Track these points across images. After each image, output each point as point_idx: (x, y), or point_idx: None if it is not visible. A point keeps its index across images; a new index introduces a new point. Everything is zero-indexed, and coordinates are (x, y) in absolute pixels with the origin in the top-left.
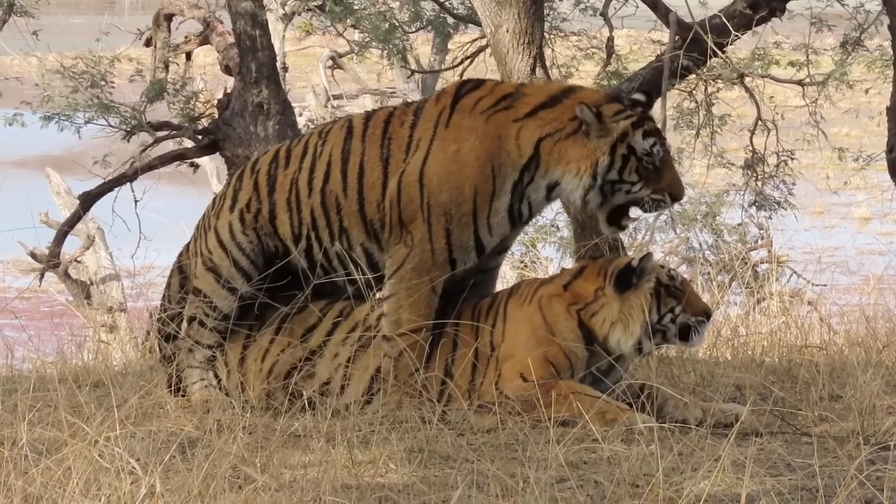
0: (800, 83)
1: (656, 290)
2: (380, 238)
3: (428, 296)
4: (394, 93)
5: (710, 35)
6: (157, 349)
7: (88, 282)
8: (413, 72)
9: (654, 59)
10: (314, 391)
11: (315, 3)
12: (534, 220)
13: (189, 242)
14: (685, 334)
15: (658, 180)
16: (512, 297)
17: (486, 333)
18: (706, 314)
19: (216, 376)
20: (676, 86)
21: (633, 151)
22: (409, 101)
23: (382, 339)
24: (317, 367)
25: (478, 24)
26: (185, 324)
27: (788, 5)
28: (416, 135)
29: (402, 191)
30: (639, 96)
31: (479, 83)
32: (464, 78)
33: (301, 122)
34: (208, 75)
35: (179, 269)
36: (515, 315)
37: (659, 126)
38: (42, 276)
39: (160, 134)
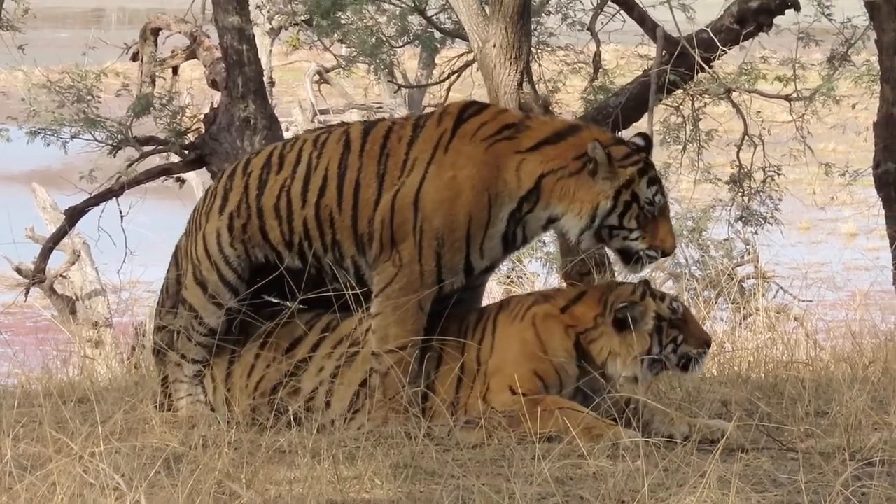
0: (787, 98)
1: (657, 326)
2: (367, 253)
3: (415, 313)
4: (381, 107)
5: (697, 50)
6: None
7: (74, 297)
8: (400, 86)
9: (641, 73)
10: (300, 406)
11: (302, 18)
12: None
13: (182, 237)
14: (685, 365)
15: (655, 231)
16: (501, 312)
17: (473, 348)
18: (707, 344)
19: (204, 391)
20: (663, 100)
21: (637, 199)
22: (409, 114)
23: (371, 354)
24: (302, 382)
25: (465, 38)
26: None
27: (776, 20)
28: (414, 154)
29: (395, 211)
30: (639, 140)
31: (482, 108)
32: (467, 100)
33: (288, 136)
34: (195, 90)
35: (176, 261)
36: (506, 330)
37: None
38: (27, 291)
39: (146, 149)
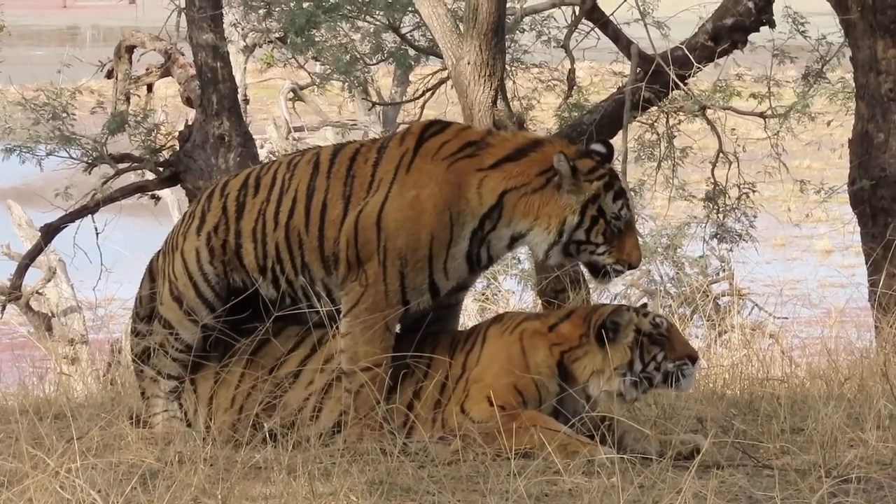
0: (761, 115)
1: (637, 340)
2: (335, 274)
3: (383, 331)
4: (355, 125)
5: (671, 67)
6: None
7: (50, 314)
8: (374, 104)
9: (615, 90)
10: (287, 421)
11: (276, 36)
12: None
13: (160, 252)
14: (668, 380)
15: (621, 246)
16: (494, 325)
17: (461, 355)
18: (691, 358)
19: (181, 406)
20: (638, 118)
21: (603, 214)
22: (377, 136)
23: (342, 373)
24: (289, 397)
25: (439, 56)
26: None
27: (750, 37)
28: (378, 174)
29: (358, 230)
30: (599, 147)
31: (444, 126)
32: (429, 119)
33: (262, 153)
34: (169, 107)
35: (150, 274)
36: (494, 342)
37: (620, 159)
38: (3, 308)
39: (121, 166)
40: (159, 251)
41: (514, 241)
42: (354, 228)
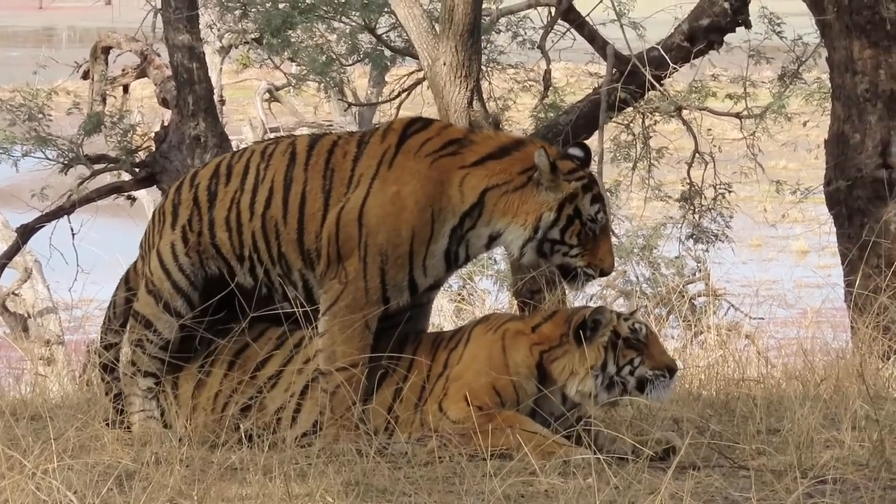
0: (737, 116)
1: (612, 342)
2: (315, 268)
3: (362, 330)
4: (331, 125)
5: (647, 68)
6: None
7: (26, 314)
8: (350, 104)
9: (591, 91)
10: (265, 422)
11: (252, 37)
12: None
13: (135, 261)
14: (642, 388)
15: (595, 250)
16: (480, 324)
17: (444, 353)
18: (669, 369)
19: (159, 406)
20: (614, 118)
21: (579, 214)
22: (353, 130)
23: (318, 373)
24: (270, 399)
25: (415, 57)
26: (125, 349)
27: (726, 38)
28: (359, 170)
29: (340, 227)
30: (577, 151)
31: (426, 124)
32: (412, 116)
33: None
34: (145, 108)
35: (126, 284)
36: (477, 341)
37: (596, 159)
38: None
39: (97, 167)
40: (134, 262)
41: (491, 241)
42: (336, 225)
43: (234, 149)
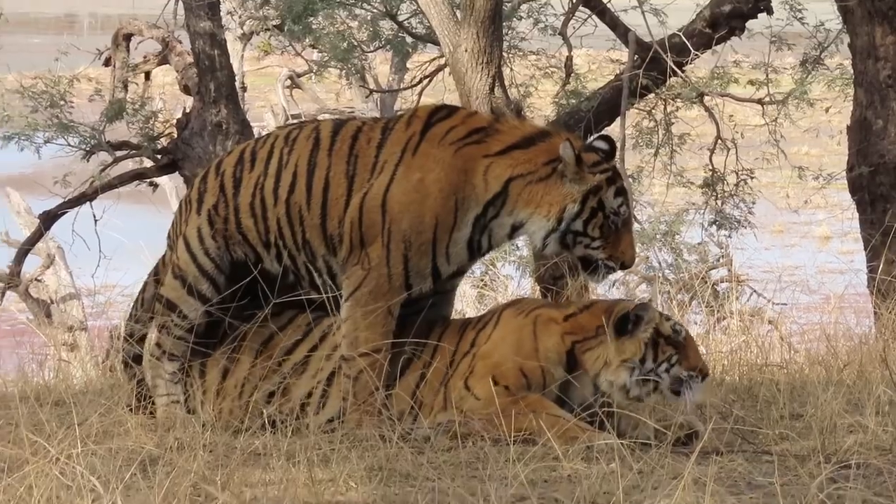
0: (759, 102)
1: (653, 339)
2: (337, 254)
3: (385, 316)
4: (352, 112)
5: (669, 54)
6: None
7: (49, 301)
8: (371, 91)
9: (613, 78)
10: (290, 410)
11: (273, 23)
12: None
13: (163, 254)
14: (677, 389)
15: (616, 243)
16: (510, 307)
17: (472, 333)
18: (702, 372)
19: (185, 391)
20: (635, 105)
21: (603, 207)
22: (378, 117)
23: (341, 359)
24: (298, 385)
25: (436, 43)
26: (152, 334)
27: (748, 24)
28: (383, 156)
29: (364, 213)
30: (601, 143)
31: (451, 111)
32: (436, 104)
33: None
34: (167, 95)
35: (155, 277)
36: (507, 323)
37: (618, 145)
38: (2, 295)
39: (119, 153)
40: (162, 255)
41: (514, 230)
42: (359, 211)
43: (256, 136)
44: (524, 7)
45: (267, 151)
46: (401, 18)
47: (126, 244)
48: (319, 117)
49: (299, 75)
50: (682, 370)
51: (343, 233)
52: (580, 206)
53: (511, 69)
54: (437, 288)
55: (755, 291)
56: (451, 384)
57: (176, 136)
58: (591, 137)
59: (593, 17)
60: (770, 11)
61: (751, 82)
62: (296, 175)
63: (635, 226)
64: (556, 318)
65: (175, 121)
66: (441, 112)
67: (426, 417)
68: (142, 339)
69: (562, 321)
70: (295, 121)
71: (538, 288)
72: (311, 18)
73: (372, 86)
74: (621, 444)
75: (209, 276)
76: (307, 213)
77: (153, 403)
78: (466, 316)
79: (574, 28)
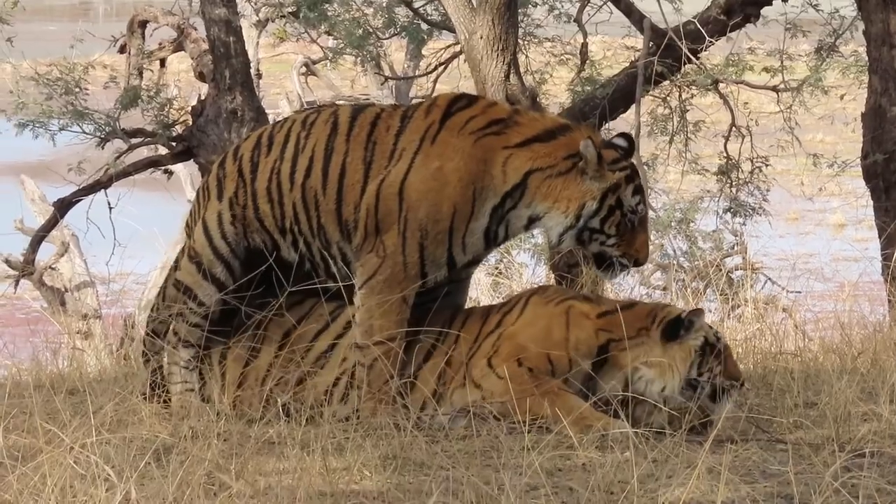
0: (774, 89)
1: (703, 348)
2: (352, 241)
3: (400, 304)
4: (368, 99)
5: (684, 41)
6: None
7: (63, 289)
8: (387, 78)
9: (628, 65)
10: (315, 400)
11: (289, 10)
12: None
13: (184, 246)
14: (715, 396)
15: (632, 241)
16: (536, 294)
17: (497, 315)
18: (741, 382)
19: (201, 379)
20: (650, 92)
21: (621, 205)
22: (398, 103)
23: (355, 347)
24: (322, 374)
25: (452, 30)
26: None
27: (763, 11)
28: (401, 144)
29: (380, 200)
30: (620, 141)
31: (471, 101)
32: (456, 93)
33: None
34: (182, 82)
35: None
36: (537, 308)
37: (633, 132)
38: (17, 282)
39: (134, 141)
40: (183, 246)
41: (531, 222)
42: (376, 197)
43: (271, 122)
44: None
45: (284, 135)
46: (416, 5)
47: (141, 232)
48: (334, 104)
49: (314, 62)
50: (724, 380)
51: (358, 219)
52: (599, 204)
53: (526, 56)
54: (452, 276)
55: (769, 279)
56: (473, 362)
57: (191, 123)
58: (606, 126)
59: (608, 3)
60: None
61: (765, 69)
62: (312, 160)
63: (650, 213)
64: (589, 314)
65: (190, 108)
66: (461, 101)
67: (446, 404)
68: (164, 334)
69: (595, 317)
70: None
71: (553, 276)
72: (327, 5)
73: (387, 73)
74: (636, 432)
75: (224, 259)
76: (322, 198)
77: (168, 392)
78: (481, 304)
79: (589, 15)
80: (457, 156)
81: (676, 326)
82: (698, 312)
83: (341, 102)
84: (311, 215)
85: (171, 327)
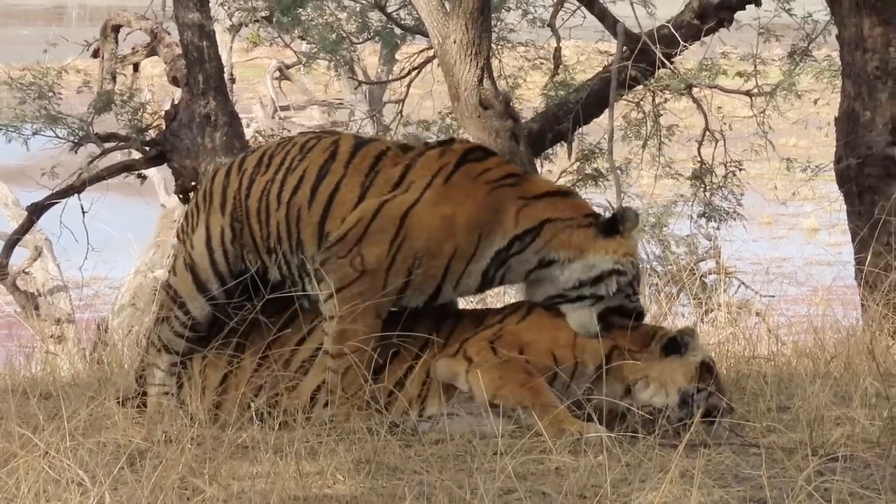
0: (748, 94)
1: (702, 364)
2: (322, 244)
3: (373, 310)
4: (341, 103)
5: (658, 46)
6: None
7: (36, 293)
8: (360, 83)
9: (601, 69)
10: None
11: (262, 15)
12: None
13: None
14: (708, 415)
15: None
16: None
17: (497, 316)
18: (731, 407)
19: (179, 383)
20: (624, 96)
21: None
22: (402, 141)
23: (325, 354)
24: (306, 380)
25: (425, 35)
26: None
27: (736, 15)
28: (410, 176)
29: (378, 216)
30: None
31: (487, 154)
32: (473, 143)
33: (248, 133)
34: (156, 86)
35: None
36: (542, 316)
37: (606, 138)
38: None
39: (108, 145)
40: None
41: (539, 267)
42: (375, 212)
43: (245, 126)
44: None
45: (281, 157)
46: (389, 10)
47: (114, 236)
48: (308, 109)
49: (288, 67)
50: (716, 402)
51: (343, 227)
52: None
53: (500, 61)
54: (427, 304)
55: (743, 283)
56: (471, 342)
57: (164, 127)
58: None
59: (582, 8)
60: (758, 3)
61: (739, 74)
62: (302, 179)
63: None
64: None
65: (163, 112)
66: (477, 153)
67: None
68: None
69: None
70: (283, 113)
71: None
72: (300, 10)
73: (361, 77)
74: (609, 436)
75: (221, 276)
76: (307, 212)
77: (144, 395)
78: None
79: (563, 19)
80: (469, 200)
81: (677, 343)
82: (690, 330)
83: (315, 107)
84: (293, 231)
85: (156, 331)
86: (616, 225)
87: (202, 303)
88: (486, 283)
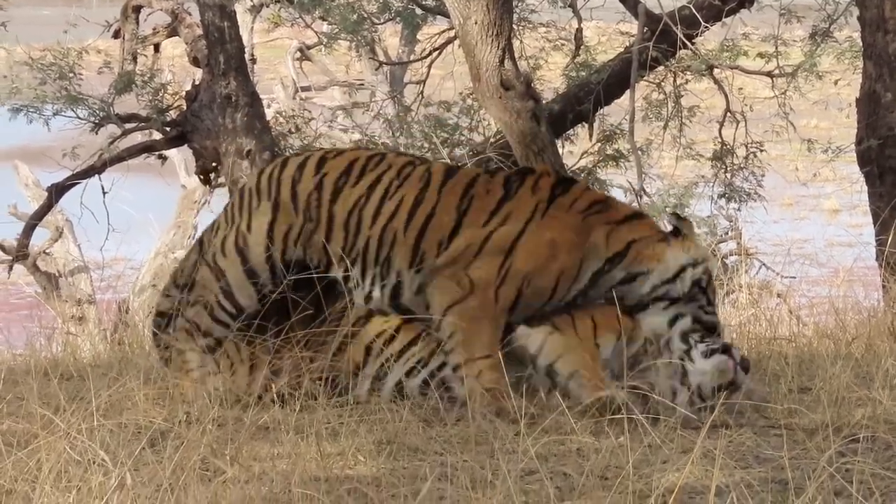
0: (769, 74)
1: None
2: (423, 263)
3: (493, 321)
4: (362, 84)
5: (679, 26)
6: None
7: (57, 274)
8: (381, 63)
9: (622, 50)
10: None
11: None
12: None
13: (212, 224)
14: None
15: None
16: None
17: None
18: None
19: (217, 364)
20: (645, 77)
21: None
22: (489, 169)
23: (456, 368)
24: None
25: (446, 15)
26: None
27: None
28: (507, 208)
29: (487, 246)
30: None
31: (569, 185)
32: (556, 176)
33: (269, 113)
34: (176, 67)
35: (199, 248)
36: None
37: (627, 118)
38: (11, 267)
39: (128, 126)
40: (209, 226)
41: (622, 283)
42: (483, 240)
43: (265, 107)
44: None
45: (375, 176)
46: None
47: (135, 217)
48: (329, 90)
49: (309, 47)
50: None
51: (450, 252)
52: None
53: (521, 41)
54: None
55: (764, 265)
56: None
57: (185, 108)
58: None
59: None
60: None
61: (760, 55)
62: (399, 207)
63: (644, 199)
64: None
65: (184, 93)
66: (563, 185)
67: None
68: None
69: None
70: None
71: None
72: None
73: (382, 58)
74: (630, 417)
75: (275, 268)
76: (402, 235)
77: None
78: None
79: (584, 0)
80: (567, 229)
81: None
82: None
83: (336, 88)
84: (383, 251)
85: (192, 316)
86: (678, 230)
87: (250, 293)
88: (575, 300)
